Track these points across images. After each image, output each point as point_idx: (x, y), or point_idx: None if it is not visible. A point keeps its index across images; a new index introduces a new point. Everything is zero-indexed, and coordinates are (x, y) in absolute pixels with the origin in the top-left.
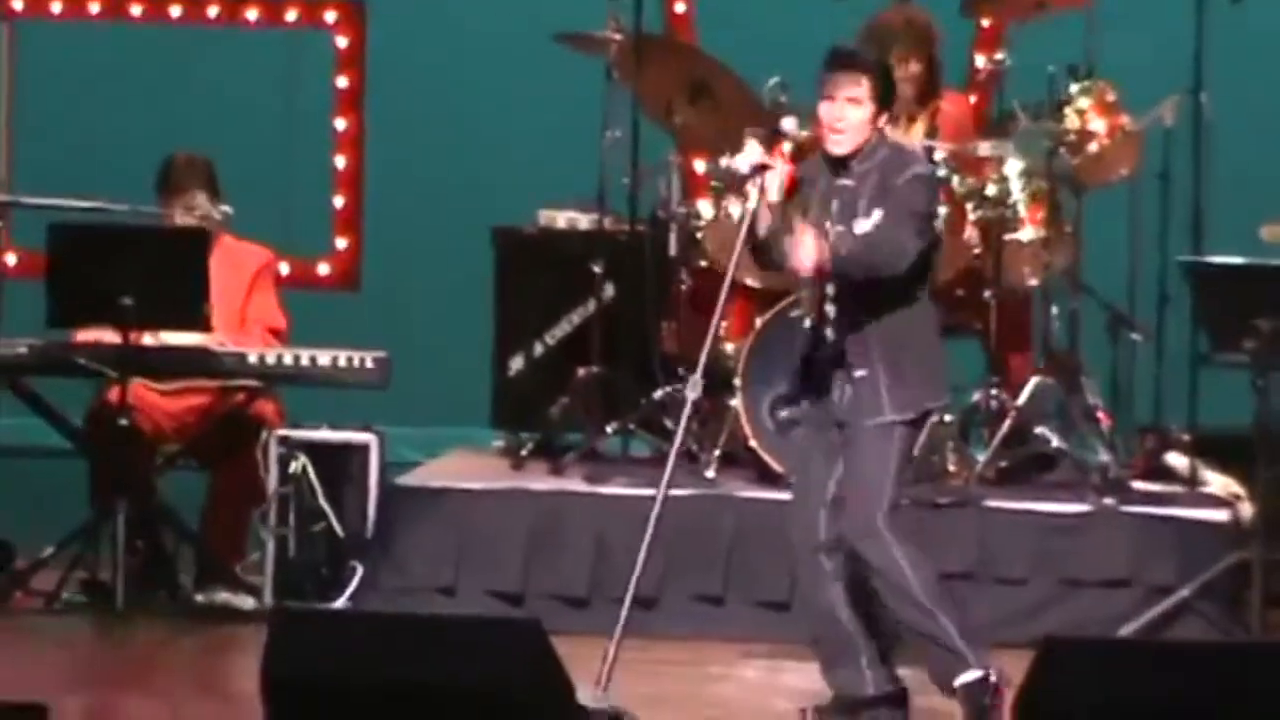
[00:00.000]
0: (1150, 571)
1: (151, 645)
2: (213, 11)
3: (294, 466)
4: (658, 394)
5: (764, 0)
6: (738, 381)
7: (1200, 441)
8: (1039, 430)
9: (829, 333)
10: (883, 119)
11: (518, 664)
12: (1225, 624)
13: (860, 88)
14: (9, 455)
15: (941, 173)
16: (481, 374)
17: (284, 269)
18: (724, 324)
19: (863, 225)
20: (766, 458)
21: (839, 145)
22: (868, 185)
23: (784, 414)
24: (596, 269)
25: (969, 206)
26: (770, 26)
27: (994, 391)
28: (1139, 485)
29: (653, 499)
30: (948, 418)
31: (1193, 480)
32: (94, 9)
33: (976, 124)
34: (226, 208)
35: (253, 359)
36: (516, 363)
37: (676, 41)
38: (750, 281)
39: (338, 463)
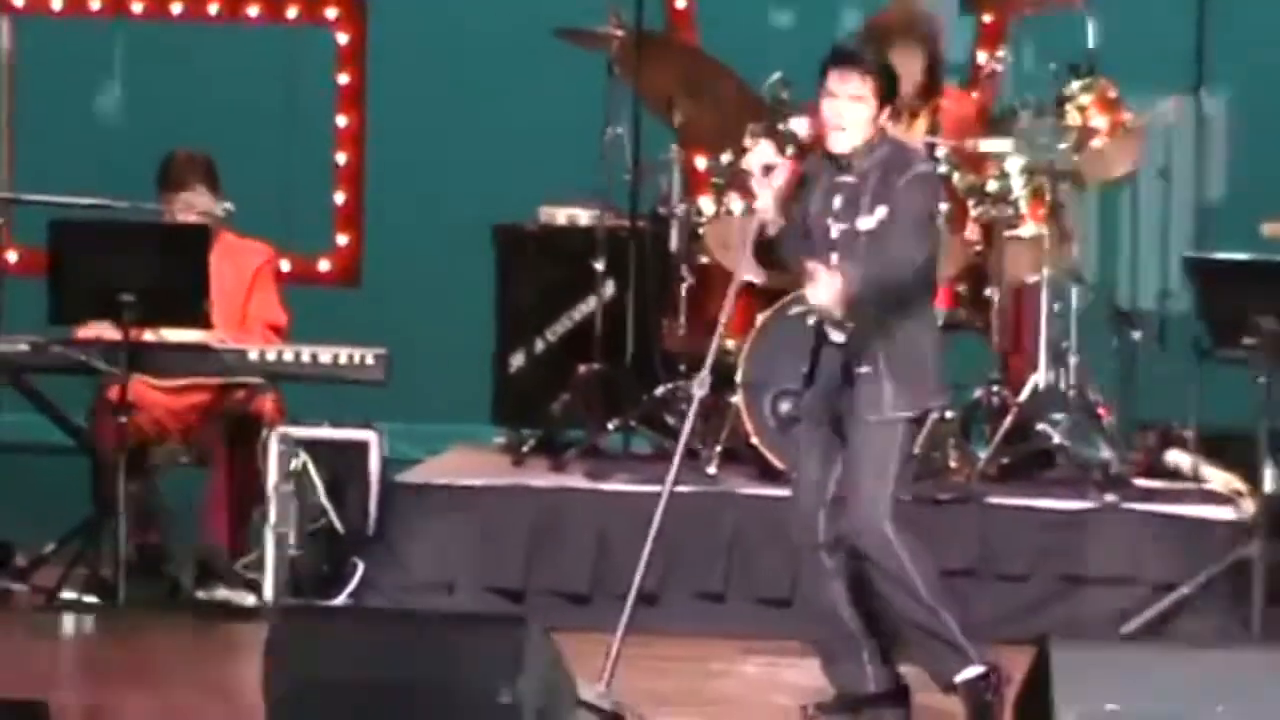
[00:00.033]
0: (1152, 568)
1: (152, 642)
2: (213, 8)
3: (294, 463)
4: (659, 390)
5: None
6: (739, 378)
7: (1202, 438)
8: (1040, 427)
9: (835, 335)
10: (884, 116)
11: (519, 660)
12: (1227, 621)
13: (862, 86)
14: (10, 452)
15: (943, 169)
16: (482, 371)
17: (285, 265)
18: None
19: (866, 223)
20: (768, 454)
21: (840, 143)
22: (870, 182)
23: (785, 409)
24: (597, 265)
25: (970, 203)
26: (771, 23)
27: (995, 388)
28: (1141, 482)
29: (654, 495)
30: (949, 414)
31: (1195, 477)
32: (95, 5)
33: (978, 121)
34: (228, 204)
35: (253, 356)
36: (517, 359)
37: (677, 38)
38: (753, 279)
39: (338, 459)
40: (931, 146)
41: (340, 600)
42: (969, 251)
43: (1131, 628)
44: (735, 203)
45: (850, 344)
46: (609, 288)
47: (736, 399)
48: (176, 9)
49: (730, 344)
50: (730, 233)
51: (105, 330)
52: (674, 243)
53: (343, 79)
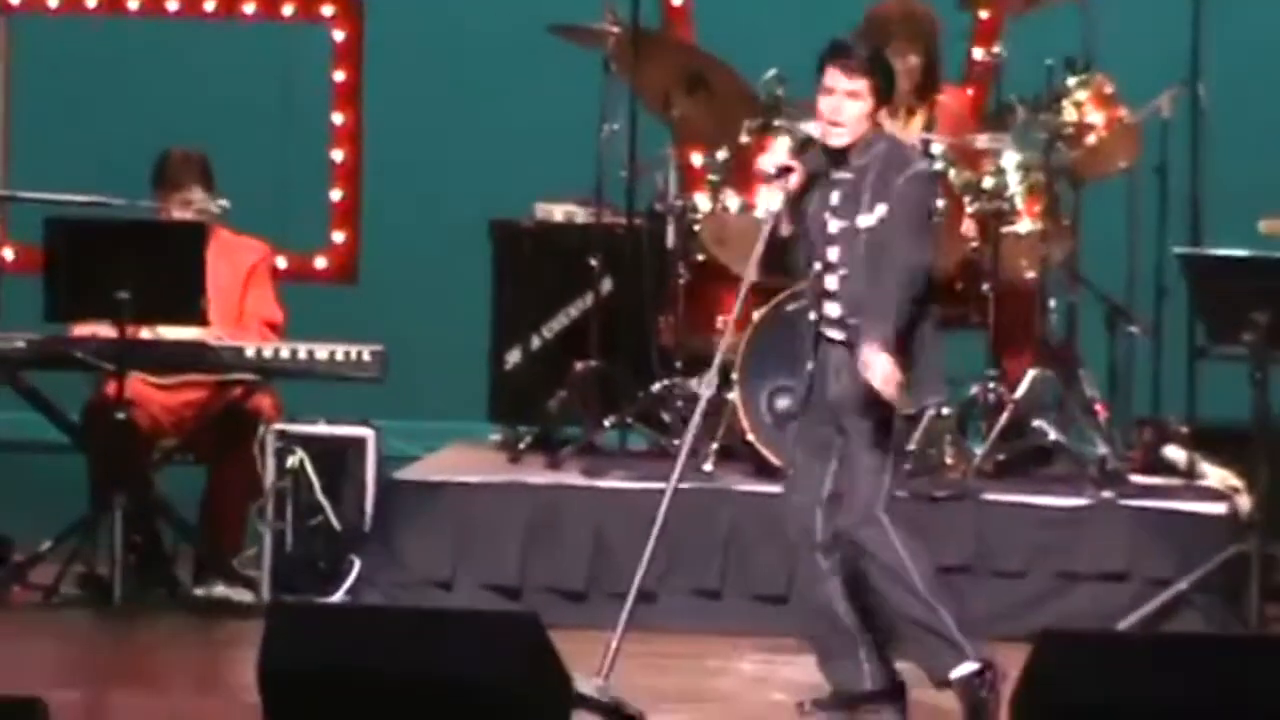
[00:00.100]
0: (1148, 565)
1: (149, 640)
2: (209, 5)
3: (291, 461)
4: (655, 387)
5: None
6: (735, 375)
7: (1198, 434)
8: (1037, 423)
9: (834, 332)
10: (881, 113)
11: (515, 658)
12: (1223, 617)
13: (859, 82)
14: (7, 450)
15: (939, 166)
16: (479, 368)
17: (281, 263)
18: (721, 318)
19: (866, 220)
20: (764, 451)
21: (837, 138)
22: (868, 179)
23: (782, 405)
24: (594, 262)
25: (966, 199)
26: (768, 19)
27: (992, 384)
28: (1137, 478)
29: (651, 492)
30: (945, 411)
31: (1191, 473)
32: (90, 3)
33: (974, 117)
34: (223, 201)
35: (250, 353)
36: (514, 356)
37: (673, 34)
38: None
39: (335, 457)
40: (927, 143)
41: (337, 597)
42: (965, 247)
43: (1128, 623)
44: (731, 199)
45: (850, 341)
46: (605, 284)
47: (733, 395)
48: (172, 6)
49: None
50: (726, 229)
51: (101, 328)
52: (670, 239)
53: (339, 76)
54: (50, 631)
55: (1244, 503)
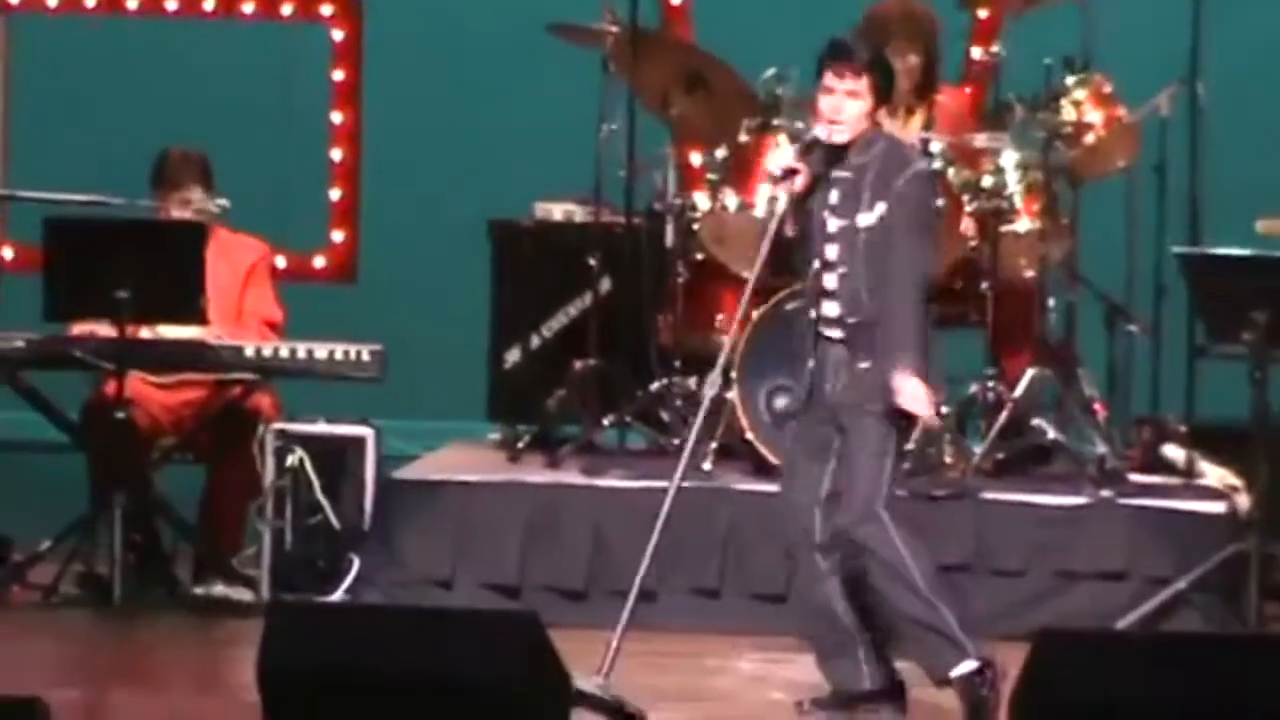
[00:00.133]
0: (1147, 564)
1: (149, 639)
2: (209, 5)
3: (291, 460)
4: (654, 386)
5: None
6: (734, 374)
7: (1197, 433)
8: (1036, 422)
9: (833, 331)
10: (880, 112)
11: (515, 657)
12: (1222, 616)
13: (859, 81)
14: (6, 449)
15: (938, 165)
16: (478, 367)
17: (280, 262)
18: (721, 317)
19: (866, 219)
20: (763, 450)
21: (837, 135)
22: (867, 178)
23: (781, 404)
24: (593, 261)
25: (965, 198)
26: (767, 18)
27: (991, 383)
28: (1136, 477)
29: (649, 491)
30: (944, 410)
31: (1190, 472)
32: (89, 2)
33: (973, 116)
34: (223, 201)
35: (249, 352)
36: (513, 355)
37: (672, 33)
38: (749, 275)
39: (334, 456)
40: (926, 142)
41: (337, 596)
42: (964, 246)
43: (1127, 622)
44: (730, 198)
45: (849, 340)
46: (604, 284)
47: (732, 394)
48: (171, 6)
49: (725, 339)
50: (725, 228)
51: (101, 327)
52: (669, 238)
53: (338, 75)
54: (50, 631)
55: (1243, 502)
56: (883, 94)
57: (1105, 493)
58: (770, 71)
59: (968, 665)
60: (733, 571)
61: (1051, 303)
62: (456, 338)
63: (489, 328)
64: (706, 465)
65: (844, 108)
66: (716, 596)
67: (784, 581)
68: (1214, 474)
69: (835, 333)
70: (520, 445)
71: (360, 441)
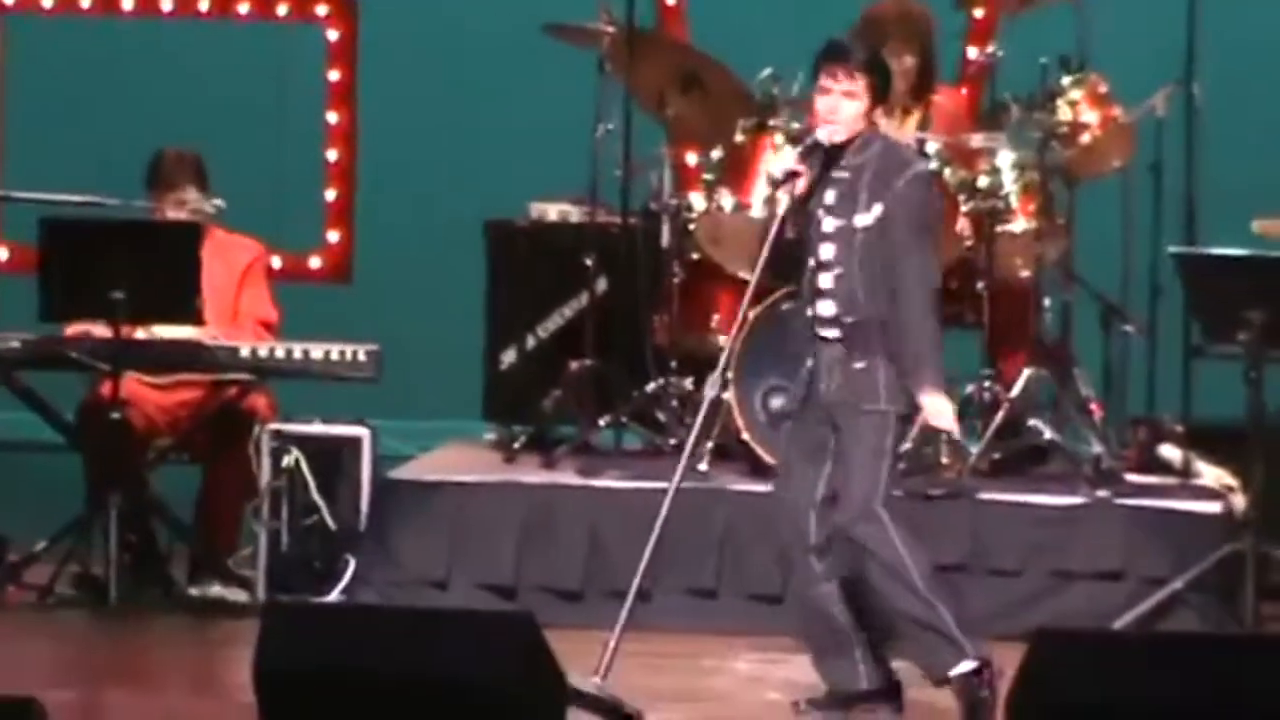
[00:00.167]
0: (1143, 564)
1: (144, 639)
2: (204, 5)
3: (286, 460)
4: (650, 386)
5: None
6: (730, 374)
7: (1193, 433)
8: (1032, 422)
9: (828, 330)
10: (876, 112)
11: (510, 657)
12: (1218, 616)
13: (855, 82)
14: (2, 450)
15: (934, 165)
16: (474, 367)
17: (275, 262)
18: (716, 317)
19: (864, 219)
20: (759, 450)
21: (833, 137)
22: (864, 179)
23: (777, 405)
24: (588, 262)
25: (961, 198)
26: (762, 18)
27: (987, 383)
28: (1132, 477)
29: (646, 491)
30: None
31: (1186, 472)
32: (84, 3)
33: (969, 116)
34: (218, 201)
35: (245, 353)
36: (509, 356)
37: (668, 33)
38: (745, 275)
39: (330, 456)
40: (922, 142)
41: (332, 597)
42: (960, 246)
43: (1123, 622)
44: (726, 198)
45: (845, 339)
46: (600, 284)
47: (728, 395)
48: (166, 6)
49: (721, 340)
50: (721, 228)
51: (96, 328)
52: (665, 239)
53: (333, 76)
54: (45, 631)
55: (1239, 502)
56: (879, 94)
57: (1101, 493)
58: (766, 72)
59: (966, 665)
60: (729, 572)
61: (1047, 303)
62: (452, 338)
63: (485, 328)
64: (703, 466)
65: (840, 108)
66: (713, 597)
67: (780, 582)
68: (1210, 474)
69: (831, 332)
70: (516, 446)
71: (356, 442)
